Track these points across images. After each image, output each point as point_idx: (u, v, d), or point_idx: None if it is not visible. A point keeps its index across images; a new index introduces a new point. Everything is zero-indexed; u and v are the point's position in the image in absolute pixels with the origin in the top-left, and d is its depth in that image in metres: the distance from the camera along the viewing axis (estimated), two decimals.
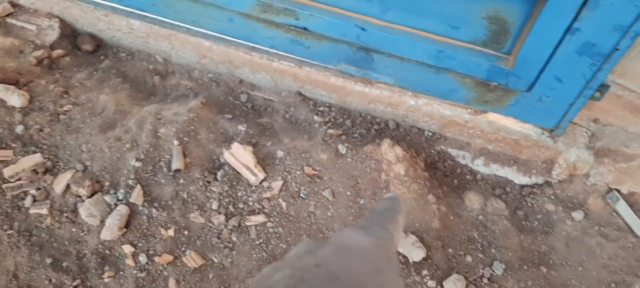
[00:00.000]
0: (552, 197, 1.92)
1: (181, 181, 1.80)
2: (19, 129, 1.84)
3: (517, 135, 1.88)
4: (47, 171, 1.79)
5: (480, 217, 1.87)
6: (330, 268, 0.42)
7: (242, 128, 1.96)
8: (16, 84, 1.91)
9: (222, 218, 1.77)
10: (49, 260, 1.73)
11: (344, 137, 1.94)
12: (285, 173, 1.83)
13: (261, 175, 1.81)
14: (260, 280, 0.42)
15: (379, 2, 1.61)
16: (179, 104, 2.02)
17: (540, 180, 1.96)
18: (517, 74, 1.59)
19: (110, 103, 1.95)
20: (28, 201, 1.76)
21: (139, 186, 1.77)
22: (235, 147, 1.84)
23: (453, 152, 2.02)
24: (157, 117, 1.92)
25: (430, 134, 2.02)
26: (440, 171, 2.00)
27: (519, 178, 1.98)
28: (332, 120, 2.03)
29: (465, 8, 1.52)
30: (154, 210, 1.77)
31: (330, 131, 1.94)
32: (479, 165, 2.00)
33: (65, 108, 1.91)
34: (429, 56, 1.65)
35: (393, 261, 0.51)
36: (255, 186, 1.82)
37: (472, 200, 1.90)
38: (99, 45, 2.21)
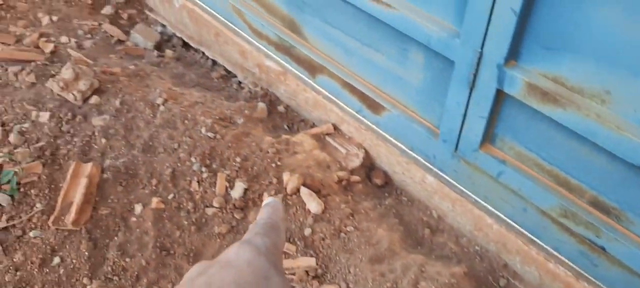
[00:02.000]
0: None
1: None
2: (307, 231, 2.11)
3: None
4: (316, 277, 1.99)
5: None
6: (220, 284, 0.46)
7: None
8: (318, 193, 2.22)
9: None
10: None
11: None
12: None
13: None
14: None
15: None
16: (442, 264, 2.06)
17: None
18: None
19: (385, 239, 2.10)
20: None
21: None
22: None
23: None
24: (421, 269, 1.99)
25: None
26: None
27: None
28: None
29: None
30: None
31: None
32: None
33: (347, 228, 2.13)
34: None
35: (278, 266, 0.53)
36: None
37: None
38: (387, 183, 2.44)
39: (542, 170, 1.80)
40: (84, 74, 2.43)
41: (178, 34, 3.21)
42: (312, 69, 2.41)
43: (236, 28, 2.73)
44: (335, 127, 2.53)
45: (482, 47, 1.61)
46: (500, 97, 1.72)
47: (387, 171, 2.43)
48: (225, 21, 2.78)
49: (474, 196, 2.07)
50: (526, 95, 1.60)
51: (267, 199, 0.67)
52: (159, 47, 3.14)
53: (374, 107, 2.22)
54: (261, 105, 2.60)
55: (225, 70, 3.02)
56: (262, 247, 0.55)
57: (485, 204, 2.06)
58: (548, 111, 1.57)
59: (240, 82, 2.94)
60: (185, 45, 3.23)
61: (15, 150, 2.20)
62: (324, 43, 2.28)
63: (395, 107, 2.13)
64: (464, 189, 2.09)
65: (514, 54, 1.59)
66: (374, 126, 2.31)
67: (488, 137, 1.89)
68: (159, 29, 3.29)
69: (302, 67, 2.47)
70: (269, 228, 0.60)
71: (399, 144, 2.25)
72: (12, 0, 3.08)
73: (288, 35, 2.42)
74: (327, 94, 2.44)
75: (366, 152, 2.44)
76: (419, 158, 2.21)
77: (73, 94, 2.39)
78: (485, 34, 1.57)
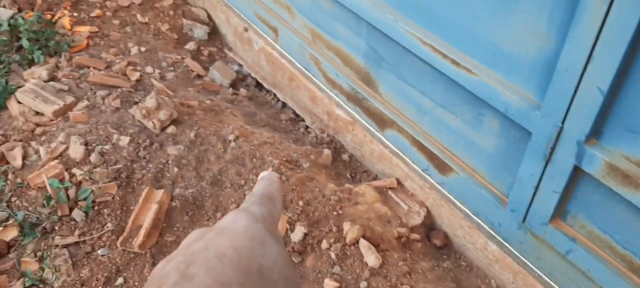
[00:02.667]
0: None
1: None
2: (363, 284, 2.09)
3: None
4: None
5: None
6: (217, 248, 0.46)
7: None
8: (377, 246, 2.21)
9: None
10: None
11: None
12: None
13: None
14: (155, 272, 0.42)
15: None
16: None
17: None
18: None
19: None
20: None
21: None
22: None
23: None
24: None
25: None
26: None
27: None
28: None
29: None
30: None
31: None
32: None
33: (403, 287, 2.10)
34: None
35: (275, 233, 0.54)
36: None
37: None
38: (447, 245, 2.40)
39: (614, 253, 1.72)
40: (165, 104, 2.58)
41: (253, 75, 3.35)
42: (382, 122, 2.44)
43: (310, 75, 2.83)
44: (399, 182, 2.53)
45: (562, 122, 1.59)
46: (577, 174, 1.68)
47: (447, 233, 2.39)
48: (301, 67, 2.88)
49: (538, 271, 2.00)
50: (605, 175, 1.56)
51: (263, 173, 0.68)
52: (234, 84, 3.28)
53: (442, 167, 2.21)
54: (327, 151, 2.64)
55: (294, 113, 3.11)
56: (258, 214, 0.56)
57: (549, 281, 1.98)
58: (628, 194, 1.52)
59: (307, 127, 3.01)
60: (258, 85, 3.36)
61: (95, 170, 2.34)
62: (397, 99, 2.32)
63: (464, 170, 2.12)
64: (527, 262, 2.03)
65: (596, 132, 1.55)
66: (439, 186, 2.30)
67: (559, 212, 1.84)
68: (236, 67, 3.44)
69: (371, 119, 2.51)
70: (266, 199, 0.61)
71: (463, 207, 2.22)
72: (107, 29, 3.34)
73: (361, 87, 2.47)
74: (394, 148, 2.45)
75: (428, 211, 2.42)
76: (483, 224, 2.16)
77: (153, 122, 2.53)
78: (568, 109, 1.55)
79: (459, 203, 2.24)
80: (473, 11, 1.76)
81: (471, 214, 2.19)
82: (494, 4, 1.67)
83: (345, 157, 2.75)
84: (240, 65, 3.45)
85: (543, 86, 1.63)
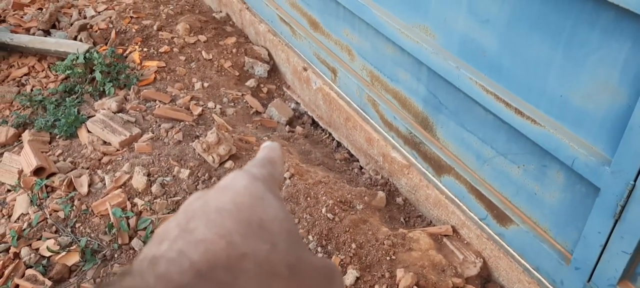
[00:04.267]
0: None
1: None
2: None
3: None
4: None
5: None
6: (217, 204, 0.47)
7: None
8: None
9: None
10: None
11: None
12: None
13: None
14: (157, 231, 0.42)
15: None
16: None
17: None
18: None
19: None
20: None
21: None
22: None
23: None
24: None
25: None
26: None
27: None
28: None
29: None
30: None
31: None
32: None
33: None
34: None
35: (275, 191, 0.52)
36: None
37: None
38: None
39: None
40: (225, 140, 2.65)
41: (309, 113, 3.40)
42: (439, 167, 2.41)
43: (367, 116, 2.84)
44: (455, 230, 2.47)
45: (635, 180, 1.51)
46: None
47: (505, 286, 2.30)
48: (358, 108, 2.90)
49: None
50: None
51: (265, 142, 0.66)
52: (291, 122, 3.34)
53: (501, 217, 2.14)
54: (381, 194, 2.62)
55: (349, 153, 3.12)
56: (258, 174, 0.56)
57: None
58: None
59: (361, 167, 3.01)
60: (314, 123, 3.40)
61: (155, 200, 2.42)
62: (456, 145, 2.29)
63: (525, 222, 2.04)
64: None
65: None
66: (497, 237, 2.23)
67: (629, 274, 1.74)
68: (293, 105, 3.51)
69: (428, 163, 2.48)
70: (266, 162, 0.61)
71: (523, 261, 2.13)
72: (173, 64, 3.50)
73: (419, 131, 2.46)
74: (450, 194, 2.41)
75: (484, 262, 2.34)
76: (544, 280, 2.07)
77: (212, 157, 2.60)
78: None
79: (518, 257, 2.15)
80: (540, 62, 1.73)
81: (531, 269, 2.10)
82: (562, 56, 1.64)
83: (399, 200, 2.72)
84: (297, 103, 3.52)
85: (614, 141, 1.57)
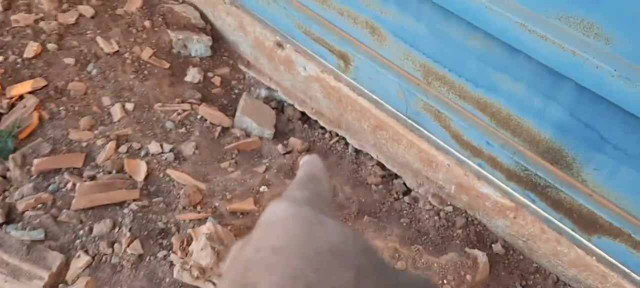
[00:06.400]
0: None
1: None
2: None
3: None
4: None
5: None
6: (269, 244, 0.41)
7: None
8: None
9: None
10: None
11: None
12: None
13: None
14: None
15: None
16: None
17: None
18: None
19: None
20: None
21: None
22: None
23: None
24: None
25: None
26: None
27: None
28: None
29: None
30: None
31: None
32: None
33: None
34: None
35: (328, 211, 0.51)
36: None
37: None
38: None
39: None
40: (223, 248, 1.56)
41: (298, 106, 2.29)
42: (585, 224, 1.56)
43: (421, 129, 1.84)
44: None
45: None
46: None
47: None
48: (400, 115, 1.88)
49: None
50: None
51: (305, 157, 0.63)
52: (278, 133, 2.23)
53: None
54: (482, 258, 1.74)
55: (380, 164, 2.14)
56: (301, 198, 0.53)
57: None
58: None
59: (408, 189, 2.07)
60: (303, 117, 2.32)
61: None
62: (619, 193, 1.43)
63: None
64: None
65: None
66: None
67: None
68: (264, 93, 2.36)
69: (558, 212, 1.61)
70: (307, 182, 0.58)
71: None
72: (59, 76, 2.10)
73: (544, 168, 1.55)
74: (604, 255, 1.60)
75: None
76: None
77: (212, 283, 1.53)
78: None
79: None
80: None
81: None
82: None
83: (496, 248, 1.87)
84: (269, 89, 2.37)
85: None
